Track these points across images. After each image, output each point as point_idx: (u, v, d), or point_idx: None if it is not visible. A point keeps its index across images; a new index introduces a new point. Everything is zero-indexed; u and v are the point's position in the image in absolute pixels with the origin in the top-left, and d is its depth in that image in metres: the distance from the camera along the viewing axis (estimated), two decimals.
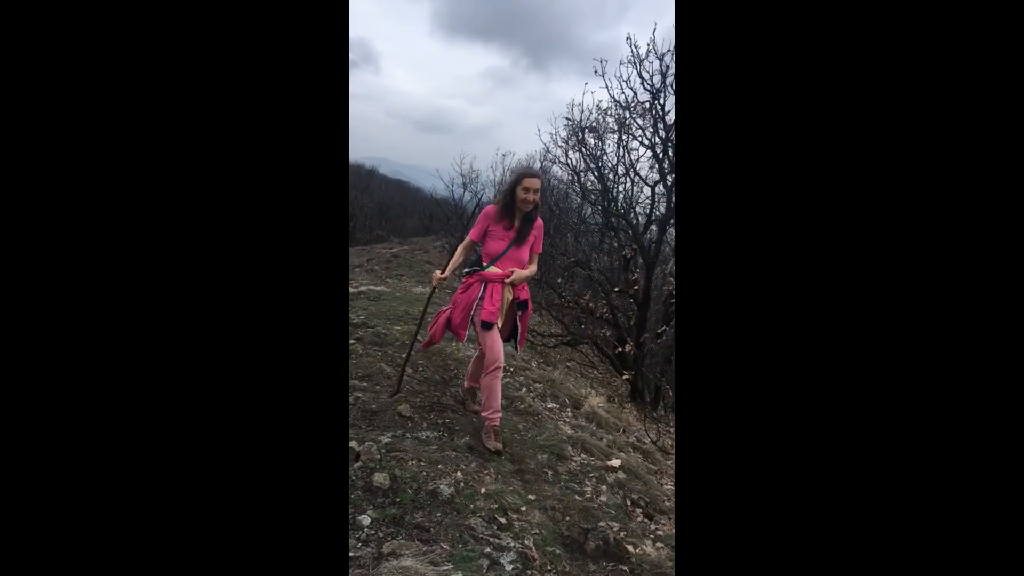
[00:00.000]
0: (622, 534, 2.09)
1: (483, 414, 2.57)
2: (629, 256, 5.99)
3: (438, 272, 2.60)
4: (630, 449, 3.18)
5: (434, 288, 2.66)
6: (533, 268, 2.65)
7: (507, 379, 3.65)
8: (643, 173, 6.13)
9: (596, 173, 6.14)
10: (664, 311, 5.74)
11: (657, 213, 5.91)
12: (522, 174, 2.50)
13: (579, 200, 7.52)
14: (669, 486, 2.97)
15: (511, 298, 2.57)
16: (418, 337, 2.91)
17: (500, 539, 1.83)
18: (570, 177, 6.88)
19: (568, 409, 3.53)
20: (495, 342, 2.49)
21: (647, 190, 6.06)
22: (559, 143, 6.82)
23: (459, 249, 2.62)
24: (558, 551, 1.87)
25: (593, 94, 18.55)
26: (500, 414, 2.56)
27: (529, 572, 1.72)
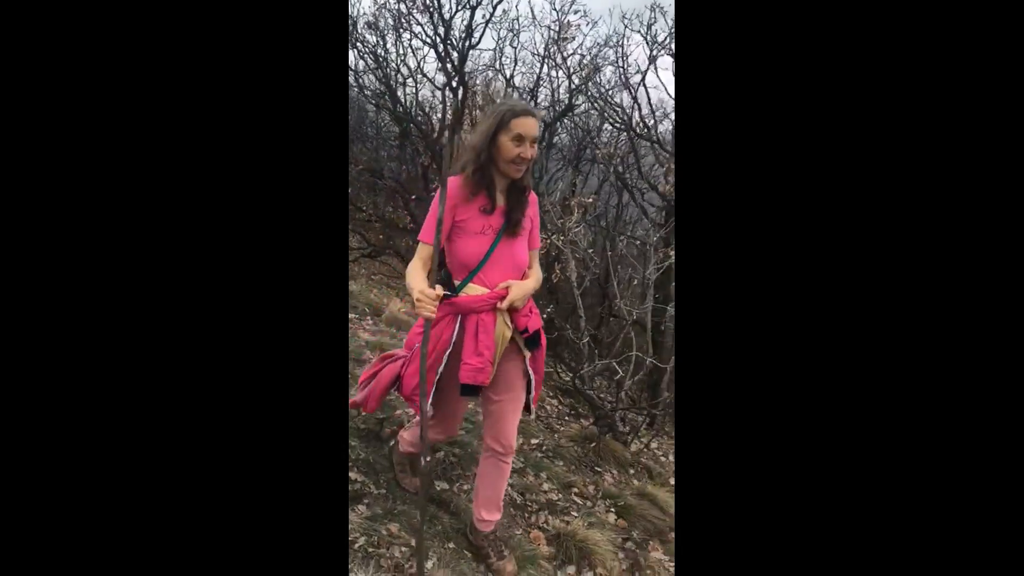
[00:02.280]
0: (417, 417, 2.28)
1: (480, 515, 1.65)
2: (427, 164, 5.95)
3: (424, 287, 1.27)
4: None
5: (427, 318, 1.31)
6: (537, 274, 1.52)
7: None
8: (431, 74, 5.99)
9: (381, 73, 5.80)
10: None
11: (447, 119, 5.89)
12: (509, 110, 1.34)
13: (373, 105, 7.10)
14: None
15: (510, 334, 1.46)
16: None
17: None
18: (353, 80, 6.40)
19: (368, 318, 3.57)
20: (457, 415, 1.59)
21: (439, 94, 5.96)
22: None
23: (414, 267, 1.35)
24: (354, 443, 1.98)
25: None
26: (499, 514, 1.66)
27: None
